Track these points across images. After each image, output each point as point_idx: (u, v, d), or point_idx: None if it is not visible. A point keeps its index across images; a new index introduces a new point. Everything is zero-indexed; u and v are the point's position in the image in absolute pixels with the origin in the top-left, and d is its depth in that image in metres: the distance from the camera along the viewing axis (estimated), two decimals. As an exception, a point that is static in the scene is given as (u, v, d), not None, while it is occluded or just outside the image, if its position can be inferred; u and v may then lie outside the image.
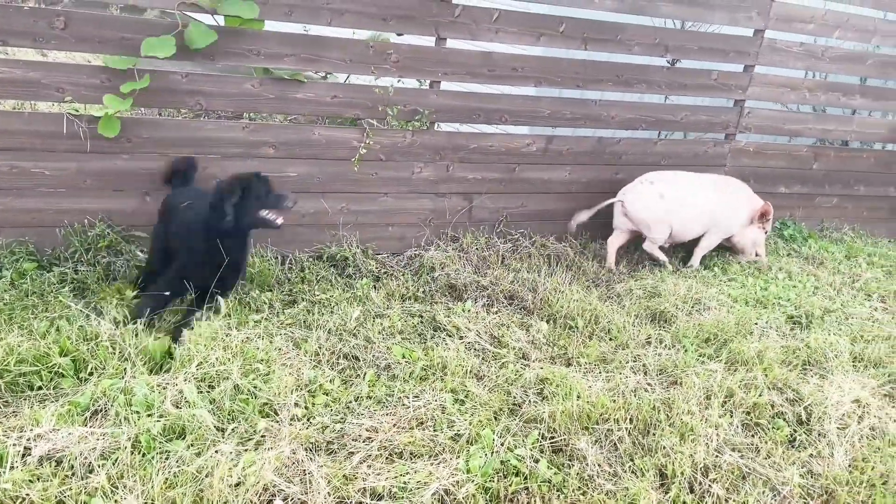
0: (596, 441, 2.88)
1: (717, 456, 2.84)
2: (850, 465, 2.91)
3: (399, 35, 4.24)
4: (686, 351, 3.64)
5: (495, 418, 2.96)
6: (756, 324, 4.09)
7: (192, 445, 2.54)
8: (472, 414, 2.96)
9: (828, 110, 6.14)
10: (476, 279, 4.21)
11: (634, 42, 4.74)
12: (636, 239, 4.92)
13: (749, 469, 2.80)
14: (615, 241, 4.85)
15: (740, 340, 3.78)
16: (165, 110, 4.97)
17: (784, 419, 3.16)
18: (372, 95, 4.18)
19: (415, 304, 3.93)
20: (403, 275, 4.25)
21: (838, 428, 3.09)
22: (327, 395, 3.01)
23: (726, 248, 5.21)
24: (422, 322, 3.73)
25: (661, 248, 4.88)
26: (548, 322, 3.88)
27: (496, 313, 3.92)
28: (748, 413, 3.15)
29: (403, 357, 3.35)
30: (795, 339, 3.97)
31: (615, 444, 2.87)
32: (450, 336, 3.59)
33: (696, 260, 4.99)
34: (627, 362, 3.50)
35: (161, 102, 3.89)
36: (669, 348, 3.69)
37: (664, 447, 2.82)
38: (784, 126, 5.65)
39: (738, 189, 4.99)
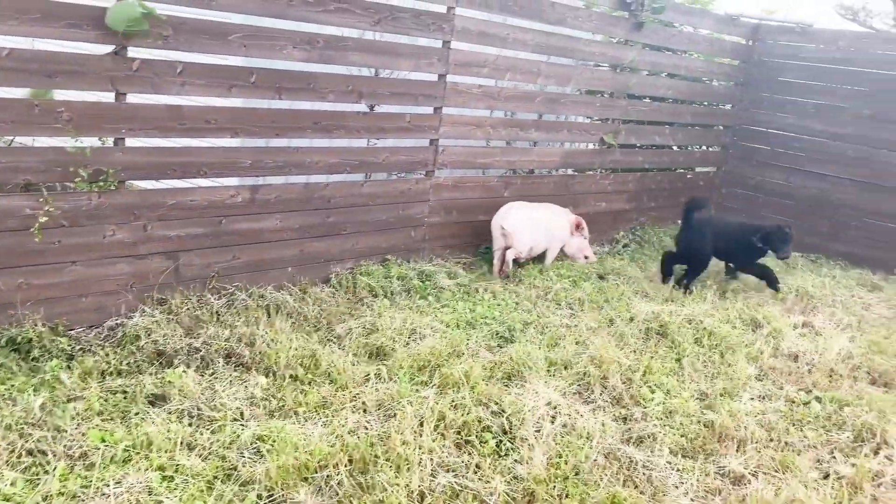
0: (316, 490, 2.87)
1: (432, 480, 2.98)
2: (547, 464, 3.22)
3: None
4: (401, 382, 3.79)
5: (209, 488, 2.82)
6: (467, 345, 4.40)
7: None
8: (183, 489, 2.78)
9: (513, 144, 6.87)
10: (188, 342, 4.00)
11: (328, 90, 4.89)
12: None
13: (461, 486, 2.98)
14: (497, 261, 5.98)
15: (451, 363, 4.03)
16: None
17: (491, 432, 3.41)
18: (46, 157, 3.81)
19: (117, 378, 3.62)
20: (103, 349, 3.88)
21: (535, 431, 3.42)
22: (8, 501, 2.64)
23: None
24: (125, 398, 3.44)
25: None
26: (267, 375, 3.80)
27: (212, 375, 3.75)
28: (459, 432, 3.36)
29: (103, 441, 3.05)
30: (501, 353, 4.33)
31: (335, 488, 2.88)
32: (156, 406, 3.36)
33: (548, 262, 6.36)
34: (346, 403, 3.55)
35: None
36: (387, 382, 3.81)
37: (381, 482, 2.89)
38: (477, 160, 6.22)
39: (561, 210, 6.40)
